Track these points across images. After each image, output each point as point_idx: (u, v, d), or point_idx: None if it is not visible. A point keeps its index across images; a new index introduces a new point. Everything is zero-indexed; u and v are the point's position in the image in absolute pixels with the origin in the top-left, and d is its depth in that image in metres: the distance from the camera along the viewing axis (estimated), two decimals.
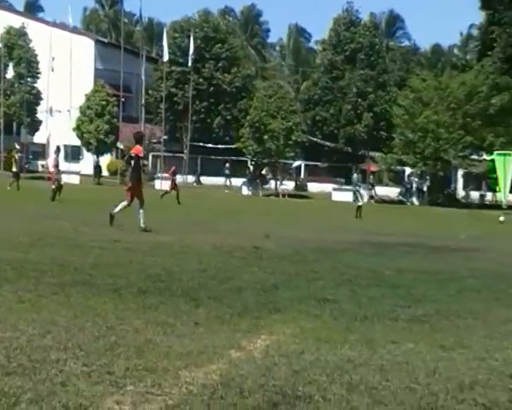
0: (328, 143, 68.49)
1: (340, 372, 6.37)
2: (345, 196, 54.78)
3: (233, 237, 19.35)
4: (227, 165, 68.25)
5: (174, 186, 40.22)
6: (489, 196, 62.41)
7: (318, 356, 6.92)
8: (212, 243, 17.17)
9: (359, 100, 65.80)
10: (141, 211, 19.51)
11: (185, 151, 67.12)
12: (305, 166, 71.84)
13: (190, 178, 66.72)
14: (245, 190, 61.34)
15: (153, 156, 71.42)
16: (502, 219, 30.54)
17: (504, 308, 10.06)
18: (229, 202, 43.23)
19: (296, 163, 70.11)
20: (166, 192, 40.52)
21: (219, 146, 68.75)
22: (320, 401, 5.59)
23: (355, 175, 40.32)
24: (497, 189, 55.28)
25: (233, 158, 67.19)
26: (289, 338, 7.66)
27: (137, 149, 20.47)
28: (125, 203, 20.01)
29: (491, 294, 11.44)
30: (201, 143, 67.74)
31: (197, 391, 5.68)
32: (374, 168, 66.18)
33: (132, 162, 20.11)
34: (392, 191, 64.02)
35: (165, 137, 68.60)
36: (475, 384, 6.21)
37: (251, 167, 66.74)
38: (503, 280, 13.22)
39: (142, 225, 19.24)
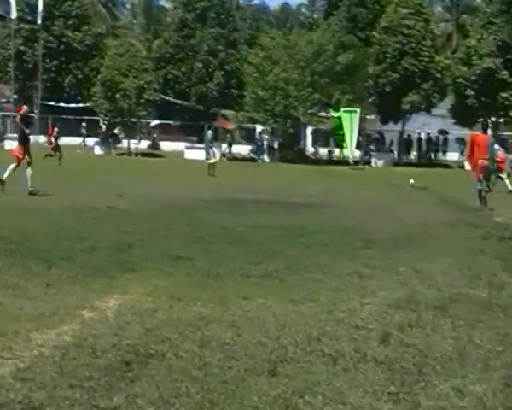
0: (180, 102, 68.15)
1: (193, 329, 6.48)
2: (197, 154, 54.75)
3: (86, 197, 19.11)
4: (83, 124, 66.85)
5: (56, 148, 39.10)
6: (337, 152, 63.93)
7: (171, 314, 7.00)
8: (64, 204, 16.91)
9: (210, 58, 65.72)
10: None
11: (35, 111, 65.21)
12: (158, 124, 71.44)
13: (42, 139, 64.89)
14: (97, 150, 60.31)
15: (2, 116, 68.97)
16: (412, 181, 31.18)
17: (350, 261, 10.42)
18: (81, 161, 42.45)
19: (154, 122, 69.75)
20: (51, 155, 39.13)
21: (71, 105, 67.19)
22: (172, 359, 5.68)
23: (209, 132, 40.34)
24: (344, 145, 56.81)
25: (85, 118, 65.84)
26: (142, 297, 7.71)
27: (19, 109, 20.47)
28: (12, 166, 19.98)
29: (338, 248, 11.80)
30: (53, 103, 65.98)
31: (49, 353, 5.66)
32: (230, 126, 66.45)
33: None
34: (243, 149, 64.48)
35: (15, 96, 66.34)
36: (323, 336, 6.44)
37: (103, 127, 65.64)
38: (350, 234, 13.66)
39: (28, 188, 19.40)
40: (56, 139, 40.49)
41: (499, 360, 5.99)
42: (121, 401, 4.81)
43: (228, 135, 65.72)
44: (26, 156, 20.09)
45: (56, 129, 42.54)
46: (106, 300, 7.52)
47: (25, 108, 20.93)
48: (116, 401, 4.80)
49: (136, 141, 62.04)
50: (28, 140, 20.47)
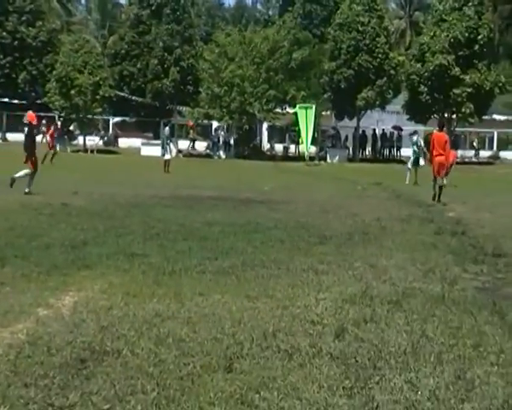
0: (135, 98, 67.77)
1: (148, 326, 6.48)
2: (153, 150, 54.54)
3: (41, 194, 18.96)
4: (43, 121, 66.06)
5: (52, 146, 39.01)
6: (292, 148, 64.22)
7: (127, 311, 6.99)
8: (19, 201, 16.76)
9: (166, 54, 65.36)
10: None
11: None
12: (120, 121, 71.20)
13: None
14: None
15: None
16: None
17: (306, 257, 10.48)
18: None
19: (116, 119, 69.40)
20: (55, 153, 39.01)
21: (25, 102, 66.37)
22: (128, 356, 5.67)
23: (167, 129, 40.21)
24: (300, 141, 57.01)
25: (41, 114, 65.04)
26: (98, 294, 7.68)
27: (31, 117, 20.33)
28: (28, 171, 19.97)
29: (293, 244, 11.86)
30: (6, 100, 65.16)
31: (3, 352, 5.62)
32: (193, 123, 66.34)
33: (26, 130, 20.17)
34: (199, 145, 64.45)
35: None
36: (278, 332, 6.49)
37: (59, 123, 65.01)
38: (305, 230, 13.73)
39: (25, 189, 19.37)
40: (52, 137, 40.35)
41: (452, 353, 6.08)
42: (76, 398, 4.80)
43: (191, 132, 65.74)
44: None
45: (53, 127, 42.41)
46: (61, 297, 7.48)
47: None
48: (71, 399, 4.79)
49: (94, 138, 61.64)
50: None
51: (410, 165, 31.96)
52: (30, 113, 21.08)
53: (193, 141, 65.33)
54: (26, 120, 20.66)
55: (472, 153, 65.02)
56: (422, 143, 33.37)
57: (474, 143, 65.98)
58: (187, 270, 9.19)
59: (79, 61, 58.99)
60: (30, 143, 20.31)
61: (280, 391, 5.04)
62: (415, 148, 32.68)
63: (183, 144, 63.17)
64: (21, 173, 19.91)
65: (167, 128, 41.49)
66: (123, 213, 15.68)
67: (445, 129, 24.42)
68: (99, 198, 18.75)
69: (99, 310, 6.98)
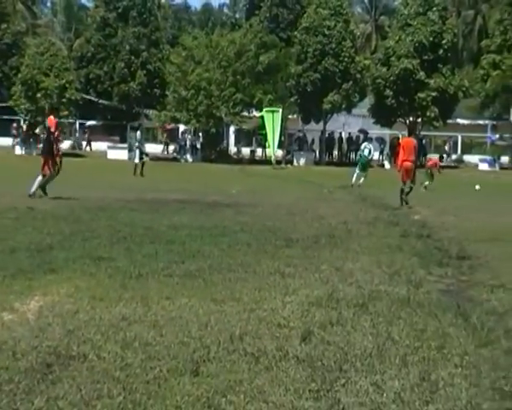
0: (102, 101, 67.49)
1: (115, 330, 6.46)
2: (120, 153, 54.50)
3: (6, 197, 18.81)
4: (14, 125, 65.51)
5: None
6: (259, 151, 64.36)
7: (93, 315, 6.96)
8: None
9: (132, 57, 65.11)
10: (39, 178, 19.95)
11: None
12: (80, 124, 70.80)
13: None
14: (18, 150, 59.38)
15: None
16: (477, 187, 31.54)
17: (272, 260, 10.50)
18: (1, 161, 41.70)
19: (90, 122, 69.22)
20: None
21: None
22: (94, 360, 5.66)
23: (138, 133, 40.15)
24: (267, 144, 57.10)
25: (5, 117, 64.49)
26: (64, 298, 7.65)
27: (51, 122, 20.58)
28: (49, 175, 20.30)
29: (260, 247, 11.88)
30: None
31: None
32: (170, 127, 66.36)
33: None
34: (169, 149, 64.69)
35: None
36: (245, 335, 6.50)
37: (24, 126, 64.57)
38: (272, 233, 13.75)
39: (31, 191, 19.62)
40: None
41: (416, 355, 6.14)
42: (42, 403, 4.78)
43: (165, 135, 65.89)
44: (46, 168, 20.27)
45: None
46: (26, 301, 7.44)
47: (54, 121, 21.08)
48: (37, 404, 4.76)
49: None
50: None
51: (357, 170, 32.06)
52: (50, 118, 21.08)
53: (166, 144, 65.49)
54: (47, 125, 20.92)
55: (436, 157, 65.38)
56: (369, 152, 33.34)
57: (446, 147, 66.44)
58: (154, 273, 9.17)
59: (45, 64, 58.60)
60: (47, 149, 20.52)
61: (246, 394, 5.05)
62: (364, 153, 32.79)
63: (154, 148, 63.00)
64: (35, 184, 20.05)
65: (139, 132, 41.39)
66: (89, 216, 15.60)
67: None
68: (65, 202, 18.66)
69: (65, 314, 6.95)
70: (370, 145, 34.31)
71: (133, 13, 66.75)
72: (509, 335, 6.78)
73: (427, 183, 29.64)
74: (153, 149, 62.89)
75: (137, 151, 37.58)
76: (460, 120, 63.45)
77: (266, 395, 5.07)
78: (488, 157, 60.50)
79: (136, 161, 36.46)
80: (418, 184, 25.70)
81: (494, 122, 64.36)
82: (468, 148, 69.08)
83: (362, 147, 34.10)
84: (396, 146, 24.44)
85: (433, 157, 34.46)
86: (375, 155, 60.57)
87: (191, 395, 5.00)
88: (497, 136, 64.66)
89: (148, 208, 17.94)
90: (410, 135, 22.91)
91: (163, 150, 63.57)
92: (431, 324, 7.13)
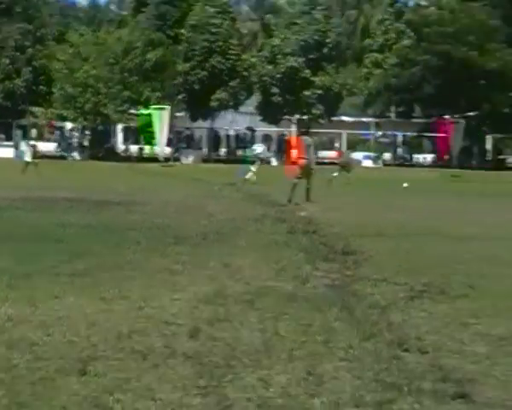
0: None
1: (0, 331, 6.35)
2: (6, 152, 53.39)
3: None
4: None
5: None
6: (147, 149, 63.99)
7: None
8: None
9: (18, 54, 63.70)
10: None
11: None
12: None
13: None
14: None
15: None
16: (405, 185, 31.57)
17: (161, 258, 10.51)
18: None
19: None
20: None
21: None
22: None
23: (34, 130, 39.19)
24: (154, 142, 56.83)
25: None
26: None
27: None
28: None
29: (149, 245, 11.84)
30: None
31: None
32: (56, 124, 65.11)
33: None
34: (53, 146, 63.33)
35: None
36: (133, 333, 6.48)
37: None
38: (161, 231, 13.75)
39: None
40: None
41: (303, 350, 6.25)
42: None
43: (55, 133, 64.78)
44: None
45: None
46: None
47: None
48: None
49: None
50: None
51: (253, 168, 32.49)
52: None
53: (59, 143, 64.53)
54: None
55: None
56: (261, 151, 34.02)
57: (337, 145, 67.56)
58: (41, 272, 9.04)
59: None
60: None
61: (134, 392, 5.05)
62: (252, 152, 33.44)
63: (43, 146, 61.67)
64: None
65: (35, 130, 40.62)
66: None
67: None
68: None
69: None
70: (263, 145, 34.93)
71: (17, 8, 65.28)
72: (391, 328, 6.97)
73: (335, 174, 30.40)
74: (41, 147, 61.71)
75: (31, 150, 36.58)
76: (344, 118, 64.65)
77: (154, 392, 5.08)
78: (372, 154, 61.91)
79: (29, 159, 35.53)
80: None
81: (377, 120, 65.92)
82: (353, 145, 70.53)
83: (254, 146, 34.60)
84: (287, 143, 24.67)
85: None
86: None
87: (78, 394, 4.97)
88: (380, 133, 66.26)
89: (36, 207, 17.62)
90: (303, 133, 23.20)
91: (56, 148, 62.21)
92: (317, 318, 7.25)
